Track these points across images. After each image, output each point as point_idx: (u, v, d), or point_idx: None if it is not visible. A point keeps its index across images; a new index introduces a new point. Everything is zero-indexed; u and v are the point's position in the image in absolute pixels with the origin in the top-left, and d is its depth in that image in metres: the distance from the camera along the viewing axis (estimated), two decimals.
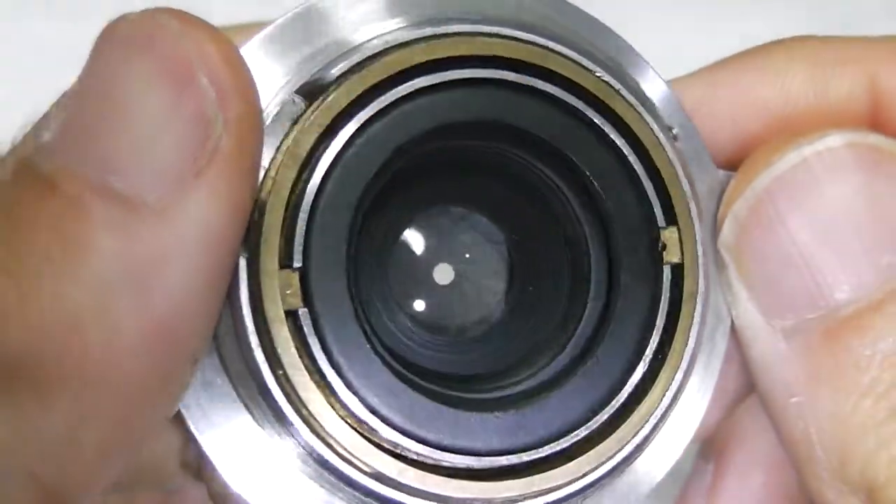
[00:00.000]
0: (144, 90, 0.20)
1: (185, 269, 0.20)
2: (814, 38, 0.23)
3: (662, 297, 0.21)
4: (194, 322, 0.21)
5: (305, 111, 0.22)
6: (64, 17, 0.57)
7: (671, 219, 0.21)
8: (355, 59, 0.22)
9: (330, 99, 0.22)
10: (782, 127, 0.22)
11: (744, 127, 0.23)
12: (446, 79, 0.22)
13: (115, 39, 0.21)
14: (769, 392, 0.21)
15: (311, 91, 0.23)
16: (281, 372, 0.21)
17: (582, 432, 0.22)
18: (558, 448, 0.22)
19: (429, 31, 0.22)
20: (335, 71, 0.22)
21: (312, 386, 0.21)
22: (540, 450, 0.22)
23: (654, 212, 0.21)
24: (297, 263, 0.22)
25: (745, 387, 0.24)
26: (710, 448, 0.26)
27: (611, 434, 0.22)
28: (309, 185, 0.22)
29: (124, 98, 0.20)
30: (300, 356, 0.21)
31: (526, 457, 0.22)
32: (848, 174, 0.20)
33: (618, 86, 0.23)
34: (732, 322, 0.22)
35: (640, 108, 0.23)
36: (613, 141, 0.22)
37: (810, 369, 0.20)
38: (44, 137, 0.21)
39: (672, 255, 0.21)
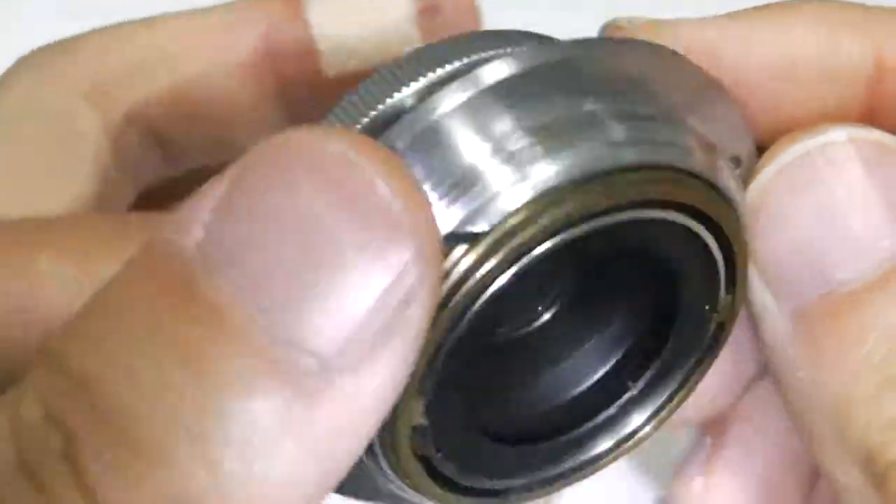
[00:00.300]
0: (346, 241, 0.17)
1: (361, 441, 0.17)
2: (828, 2, 0.23)
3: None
4: None
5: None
6: (64, 17, 0.57)
7: (730, 287, 0.21)
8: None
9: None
10: (783, 84, 0.23)
11: (746, 80, 0.23)
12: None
13: (299, 171, 0.17)
14: (779, 370, 0.22)
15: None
16: None
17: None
18: None
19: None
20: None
21: None
22: None
23: (719, 286, 0.21)
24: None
25: (756, 372, 0.25)
26: (710, 424, 0.27)
27: None
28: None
29: (321, 246, 0.17)
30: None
31: None
32: (849, 165, 0.21)
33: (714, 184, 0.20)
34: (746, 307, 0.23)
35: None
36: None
37: (814, 345, 0.21)
38: (209, 257, 0.17)
39: (721, 317, 0.22)
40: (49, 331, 0.21)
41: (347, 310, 0.17)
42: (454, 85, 0.18)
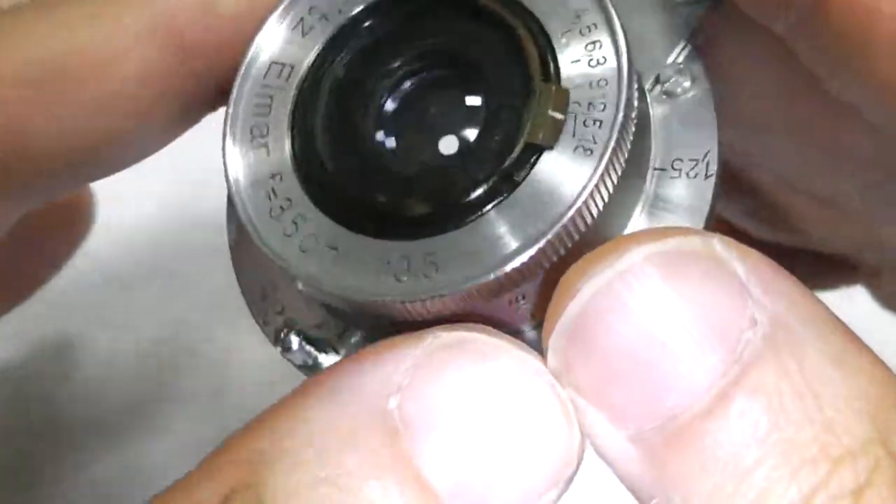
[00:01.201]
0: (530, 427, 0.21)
1: None
2: None
3: None
4: None
5: None
6: None
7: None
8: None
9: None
10: None
11: None
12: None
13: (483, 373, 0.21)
14: (633, 492, 0.21)
15: None
16: None
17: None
18: None
19: None
20: None
21: None
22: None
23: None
24: None
25: None
26: None
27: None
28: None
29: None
30: None
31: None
32: (652, 288, 0.20)
33: None
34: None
35: None
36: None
37: (661, 475, 0.20)
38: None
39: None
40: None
41: (527, 488, 0.20)
42: None
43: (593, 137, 0.23)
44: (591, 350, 0.21)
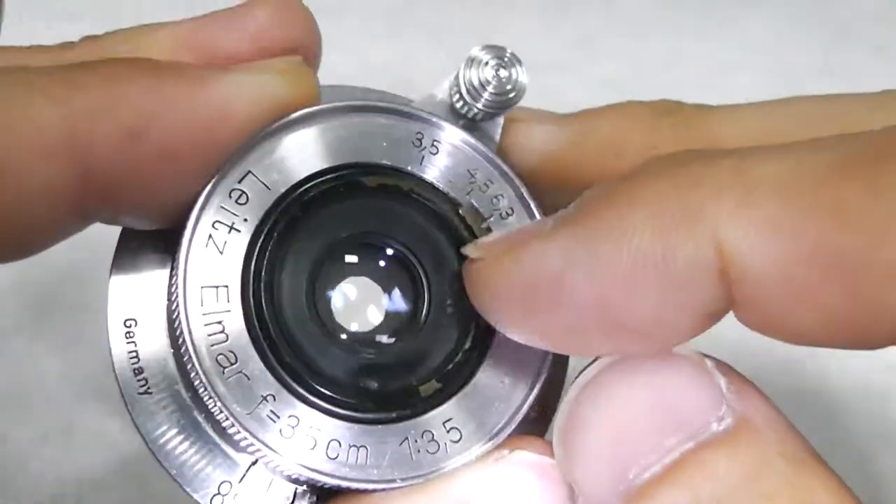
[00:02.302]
0: None
1: None
2: (659, 180, 0.23)
3: None
4: None
5: None
6: (63, 18, 0.57)
7: None
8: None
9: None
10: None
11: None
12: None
13: None
14: None
15: None
16: None
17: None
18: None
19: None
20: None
21: None
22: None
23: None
24: None
25: None
26: None
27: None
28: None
29: None
30: None
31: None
32: (631, 382, 0.24)
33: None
34: None
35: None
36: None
37: None
38: None
39: None
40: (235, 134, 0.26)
41: None
42: None
43: None
44: (578, 440, 0.24)
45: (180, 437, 0.27)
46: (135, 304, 0.28)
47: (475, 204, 0.28)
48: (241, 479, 0.27)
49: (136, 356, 0.27)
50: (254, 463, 0.27)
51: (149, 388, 0.27)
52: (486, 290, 0.25)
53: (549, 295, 0.23)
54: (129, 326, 0.27)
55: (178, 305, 0.26)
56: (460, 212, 0.28)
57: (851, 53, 0.66)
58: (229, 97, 0.26)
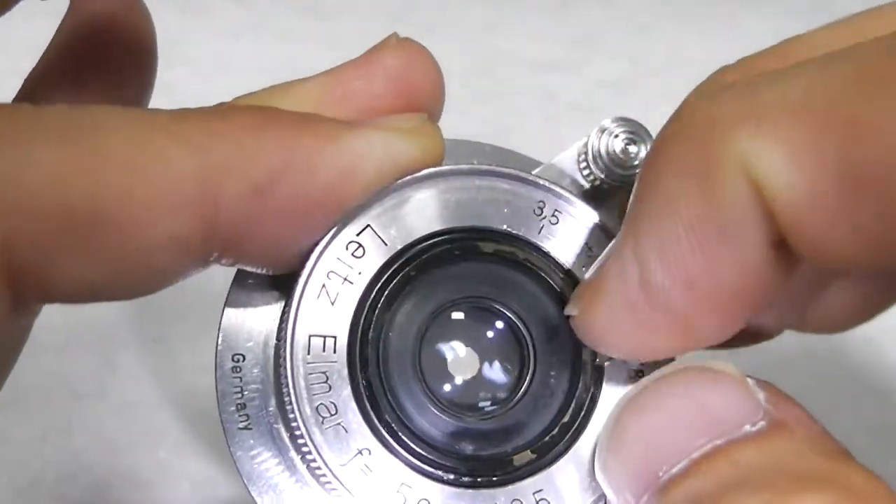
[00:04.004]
0: None
1: None
2: (679, 136, 0.23)
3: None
4: None
5: None
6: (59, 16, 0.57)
7: None
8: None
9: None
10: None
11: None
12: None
13: None
14: None
15: None
16: None
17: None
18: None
19: None
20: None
21: None
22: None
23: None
24: None
25: None
26: None
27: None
28: None
29: None
30: None
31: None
32: (672, 393, 0.24)
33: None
34: None
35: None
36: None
37: None
38: None
39: None
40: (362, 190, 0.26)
41: None
42: None
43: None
44: (617, 446, 0.24)
45: (275, 473, 0.27)
46: (244, 341, 0.28)
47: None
48: None
49: (241, 392, 0.28)
50: None
51: (249, 423, 0.27)
52: (594, 333, 0.25)
53: (646, 305, 0.23)
54: (237, 361, 0.28)
55: (284, 350, 0.26)
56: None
57: None
58: (357, 157, 0.26)
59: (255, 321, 0.28)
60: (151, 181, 0.23)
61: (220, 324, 0.28)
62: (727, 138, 0.22)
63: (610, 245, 0.27)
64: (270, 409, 0.27)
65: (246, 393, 0.28)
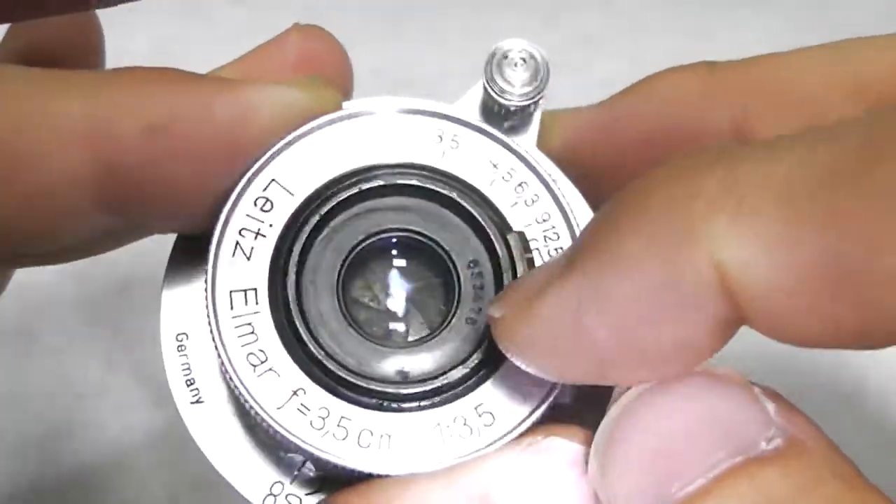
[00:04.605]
0: None
1: None
2: (651, 200, 0.23)
3: None
4: None
5: None
6: None
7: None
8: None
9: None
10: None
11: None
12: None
13: None
14: None
15: None
16: None
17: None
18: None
19: None
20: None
21: None
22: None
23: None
24: None
25: None
26: None
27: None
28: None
29: None
30: None
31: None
32: (684, 397, 0.23)
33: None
34: None
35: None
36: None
37: None
38: None
39: None
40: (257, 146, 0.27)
41: None
42: None
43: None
44: (621, 452, 0.24)
45: (232, 442, 0.28)
46: (186, 318, 0.29)
47: (521, 235, 0.28)
48: (293, 479, 0.27)
49: (189, 368, 0.28)
50: (303, 462, 0.27)
51: (200, 398, 0.28)
52: (512, 344, 0.25)
53: (571, 339, 0.23)
54: (181, 340, 0.29)
55: (208, 310, 0.27)
56: (507, 238, 0.28)
57: None
58: (250, 103, 0.27)
59: (194, 297, 0.29)
60: (41, 120, 0.25)
61: (160, 304, 0.29)
62: (704, 218, 0.21)
63: (550, 261, 0.27)
64: (219, 381, 0.28)
65: (194, 369, 0.28)
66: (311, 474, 0.27)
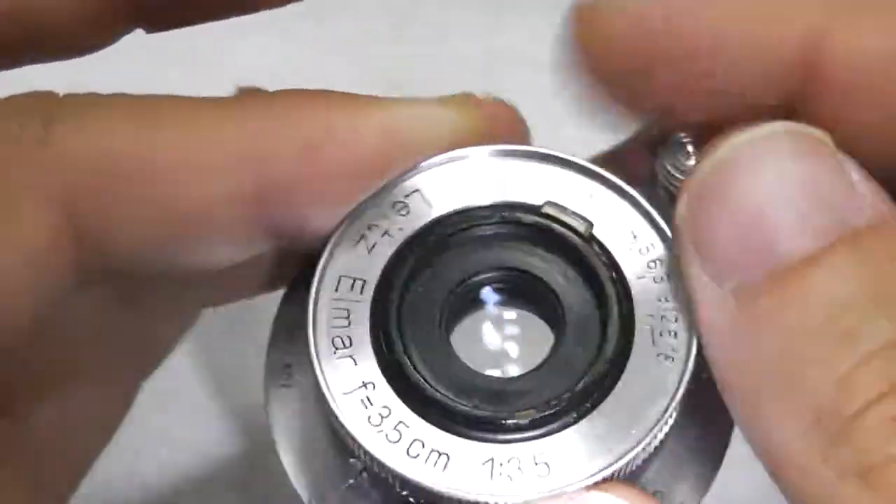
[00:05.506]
0: None
1: None
2: None
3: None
4: None
5: None
6: None
7: None
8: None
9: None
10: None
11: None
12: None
13: None
14: (718, 348, 0.24)
15: None
16: None
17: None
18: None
19: None
20: None
21: None
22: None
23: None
24: None
25: None
26: None
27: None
28: None
29: None
30: None
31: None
32: (785, 155, 0.23)
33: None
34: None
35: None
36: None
37: (758, 318, 0.23)
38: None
39: None
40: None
41: None
42: None
43: (671, 347, 0.26)
44: (717, 202, 0.24)
45: (304, 434, 0.28)
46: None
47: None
48: (347, 486, 0.27)
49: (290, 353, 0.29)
50: (361, 471, 0.27)
51: (290, 383, 0.28)
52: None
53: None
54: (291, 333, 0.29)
55: (311, 286, 0.27)
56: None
57: None
58: (399, 121, 0.27)
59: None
60: (200, 146, 0.26)
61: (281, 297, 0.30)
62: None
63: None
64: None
65: (295, 357, 0.28)
66: (366, 485, 0.27)
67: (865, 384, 0.21)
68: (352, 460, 0.27)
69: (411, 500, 0.26)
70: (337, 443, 0.27)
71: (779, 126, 0.24)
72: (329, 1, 0.61)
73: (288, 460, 0.28)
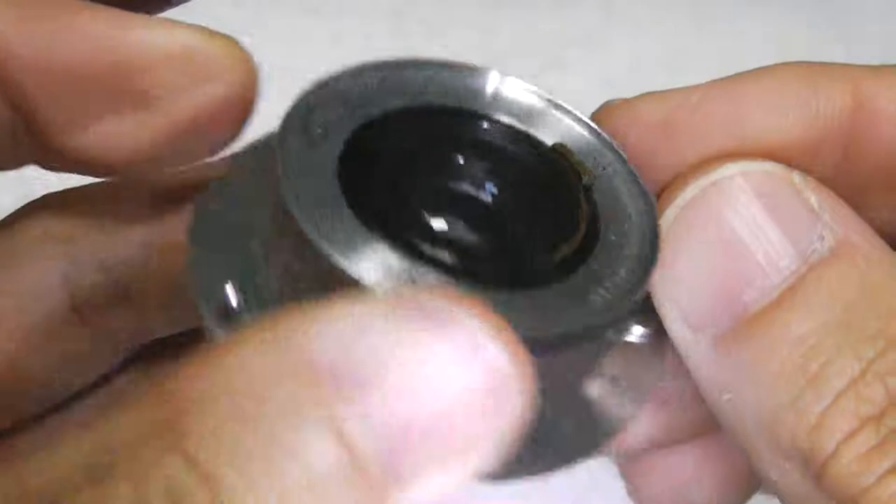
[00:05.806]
0: None
1: None
2: (804, 63, 0.25)
3: None
4: None
5: None
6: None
7: None
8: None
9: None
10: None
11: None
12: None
13: None
14: (708, 395, 0.24)
15: None
16: None
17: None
18: None
19: None
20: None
21: None
22: None
23: None
24: None
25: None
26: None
27: None
28: None
29: None
30: None
31: None
32: (741, 196, 0.24)
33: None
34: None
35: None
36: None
37: (734, 367, 0.23)
38: None
39: None
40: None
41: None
42: None
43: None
44: (681, 256, 0.24)
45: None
46: None
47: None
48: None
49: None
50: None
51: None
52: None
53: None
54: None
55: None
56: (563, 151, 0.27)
57: (853, 53, 0.66)
58: (145, 39, 0.25)
59: None
60: None
61: None
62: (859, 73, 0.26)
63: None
64: None
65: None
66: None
67: (837, 426, 0.22)
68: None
69: None
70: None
71: (731, 168, 0.24)
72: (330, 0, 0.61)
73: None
